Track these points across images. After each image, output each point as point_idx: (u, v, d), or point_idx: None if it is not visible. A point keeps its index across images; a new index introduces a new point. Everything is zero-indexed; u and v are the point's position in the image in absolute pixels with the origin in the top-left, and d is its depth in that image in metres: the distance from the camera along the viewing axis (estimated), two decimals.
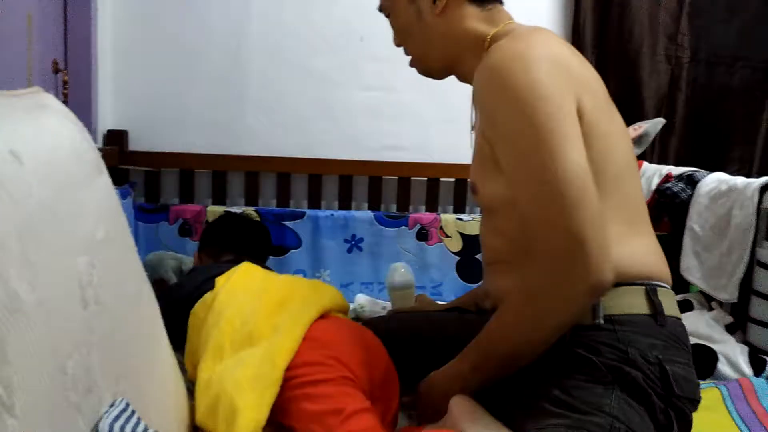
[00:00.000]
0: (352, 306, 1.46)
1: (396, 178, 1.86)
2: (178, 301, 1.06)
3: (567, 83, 0.79)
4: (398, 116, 1.87)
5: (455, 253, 1.84)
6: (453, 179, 1.89)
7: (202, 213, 1.70)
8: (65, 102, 1.41)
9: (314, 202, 1.83)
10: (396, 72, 1.84)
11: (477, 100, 0.90)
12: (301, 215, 1.74)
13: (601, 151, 0.80)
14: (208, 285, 1.07)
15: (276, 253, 1.73)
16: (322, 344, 0.90)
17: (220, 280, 1.07)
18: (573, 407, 0.76)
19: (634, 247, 0.83)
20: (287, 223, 1.73)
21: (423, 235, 1.82)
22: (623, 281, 0.80)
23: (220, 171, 1.79)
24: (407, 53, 1.04)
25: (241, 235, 1.41)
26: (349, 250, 1.77)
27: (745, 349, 1.29)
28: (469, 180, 0.98)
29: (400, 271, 1.40)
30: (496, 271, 0.95)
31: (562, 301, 0.75)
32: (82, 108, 1.55)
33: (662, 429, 0.77)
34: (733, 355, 1.27)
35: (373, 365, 0.92)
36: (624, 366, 0.76)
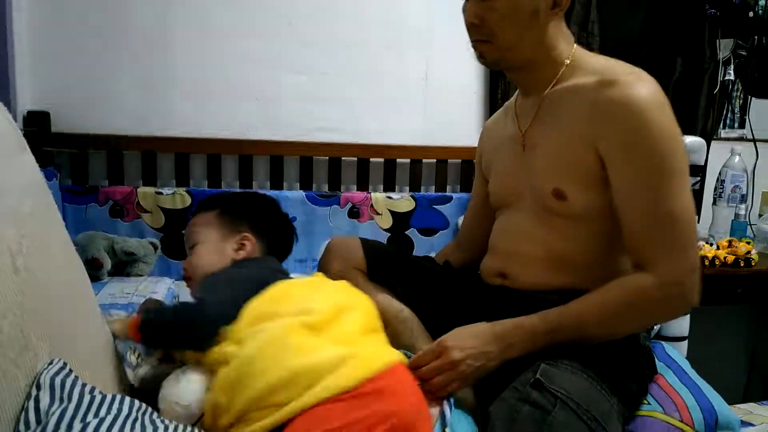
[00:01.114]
0: None
1: (327, 158, 1.91)
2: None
3: None
4: (328, 99, 1.92)
5: (386, 230, 1.92)
6: (382, 159, 1.96)
7: (132, 194, 1.71)
8: None
9: (246, 183, 1.86)
10: (325, 56, 1.89)
11: (601, 125, 0.96)
12: None
13: None
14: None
15: None
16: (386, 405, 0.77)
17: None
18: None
19: None
20: None
21: (354, 213, 1.88)
22: None
23: (150, 152, 1.79)
24: (485, 36, 1.03)
25: (287, 233, 1.18)
26: None
27: None
28: (551, 187, 1.03)
29: None
30: (541, 265, 1.06)
31: (670, 315, 1.03)
32: None
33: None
34: None
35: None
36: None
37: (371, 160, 1.95)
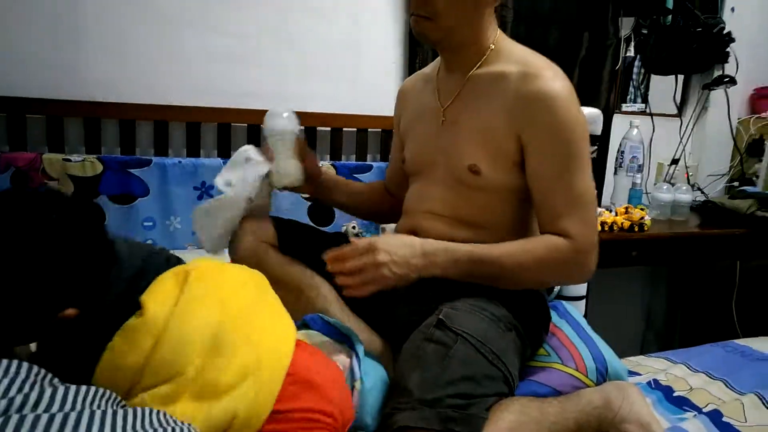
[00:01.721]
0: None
1: (245, 125, 1.89)
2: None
3: None
4: (252, 63, 1.88)
5: (307, 199, 1.93)
6: (302, 127, 1.95)
7: (37, 161, 1.62)
8: None
9: (161, 150, 1.80)
10: (249, 17, 1.84)
11: (524, 116, 1.04)
12: (148, 163, 1.72)
13: None
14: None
15: (123, 202, 1.70)
16: (309, 385, 0.83)
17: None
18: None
19: None
20: (133, 170, 1.70)
21: None
22: None
23: (56, 117, 1.69)
24: (428, 13, 1.06)
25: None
26: (200, 197, 1.79)
27: None
28: (468, 163, 1.10)
29: (283, 116, 1.25)
30: (449, 222, 1.14)
31: (575, 278, 1.11)
32: None
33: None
34: None
35: (346, 405, 0.89)
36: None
37: None
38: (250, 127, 1.89)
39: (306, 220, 1.92)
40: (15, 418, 0.48)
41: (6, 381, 0.57)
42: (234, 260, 1.25)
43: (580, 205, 1.03)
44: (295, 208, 1.91)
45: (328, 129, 1.98)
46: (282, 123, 1.24)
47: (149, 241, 1.74)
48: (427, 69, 1.30)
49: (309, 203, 1.93)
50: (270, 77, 1.91)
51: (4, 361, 0.59)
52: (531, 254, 1.03)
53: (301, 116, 1.94)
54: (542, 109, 1.03)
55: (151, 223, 1.75)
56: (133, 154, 1.77)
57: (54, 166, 1.63)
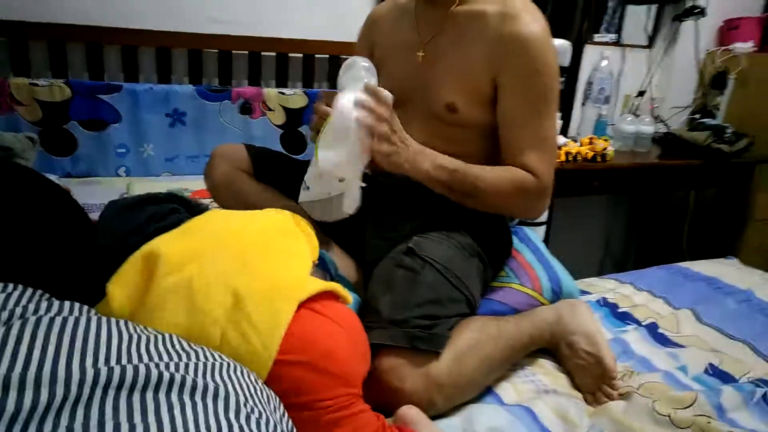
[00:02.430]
0: None
1: (217, 51, 1.87)
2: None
3: None
4: None
5: (279, 126, 1.95)
6: (275, 54, 1.94)
7: (4, 85, 1.59)
8: None
9: (131, 76, 1.78)
10: None
11: (503, 58, 1.07)
12: (118, 88, 1.70)
13: None
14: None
15: (95, 128, 1.70)
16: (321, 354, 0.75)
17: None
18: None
19: None
20: (103, 96, 1.69)
21: (247, 109, 1.88)
22: None
23: (20, 40, 1.65)
24: None
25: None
26: (172, 125, 1.80)
27: None
28: (446, 100, 1.13)
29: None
30: None
31: (533, 211, 1.15)
32: None
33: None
34: None
35: (363, 366, 0.85)
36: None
37: (263, 54, 1.93)
38: (222, 53, 1.87)
39: (279, 147, 1.94)
40: (18, 323, 0.54)
41: (2, 296, 0.61)
42: (209, 187, 1.29)
43: (545, 148, 1.10)
44: (268, 136, 1.93)
45: (301, 56, 1.97)
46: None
47: (122, 168, 1.76)
48: (406, 0, 1.27)
49: (281, 131, 1.95)
50: (238, 2, 1.87)
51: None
52: (503, 180, 1.09)
53: (273, 42, 1.95)
54: (518, 52, 1.06)
55: (124, 150, 1.75)
56: (101, 79, 1.75)
57: (21, 91, 1.61)
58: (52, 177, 1.58)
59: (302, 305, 0.76)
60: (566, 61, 1.77)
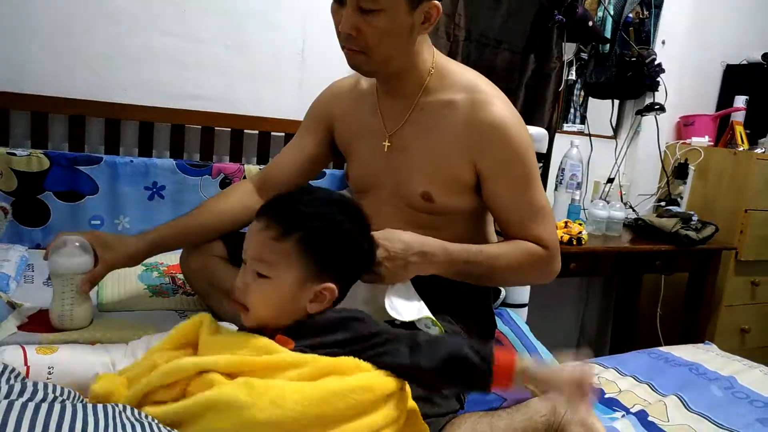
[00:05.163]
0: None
1: (199, 127, 1.88)
2: None
3: None
4: (201, 65, 1.88)
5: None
6: (257, 132, 1.96)
7: None
8: None
9: (112, 148, 1.77)
10: (198, 20, 1.85)
11: (478, 144, 1.09)
12: (98, 160, 1.68)
13: None
14: None
15: (70, 199, 1.67)
16: None
17: None
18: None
19: None
20: (82, 168, 1.66)
21: (227, 185, 1.87)
22: None
23: (2, 109, 1.64)
24: (359, 48, 1.04)
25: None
26: (150, 198, 1.77)
27: None
28: (420, 190, 1.15)
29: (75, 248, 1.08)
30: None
31: (546, 277, 1.16)
32: None
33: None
34: None
35: None
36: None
37: (245, 131, 1.95)
38: (204, 129, 1.88)
39: None
40: (4, 403, 0.50)
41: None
42: (186, 276, 1.26)
43: (543, 215, 1.13)
44: None
45: (282, 134, 2.00)
46: (74, 262, 1.06)
47: None
48: (363, 82, 1.26)
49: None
50: (218, 80, 1.91)
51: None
52: (515, 257, 1.11)
53: (254, 120, 1.97)
54: (496, 138, 1.09)
55: (99, 222, 1.71)
56: (81, 151, 1.73)
57: None
58: (20, 248, 1.52)
59: None
60: (543, 148, 1.84)
